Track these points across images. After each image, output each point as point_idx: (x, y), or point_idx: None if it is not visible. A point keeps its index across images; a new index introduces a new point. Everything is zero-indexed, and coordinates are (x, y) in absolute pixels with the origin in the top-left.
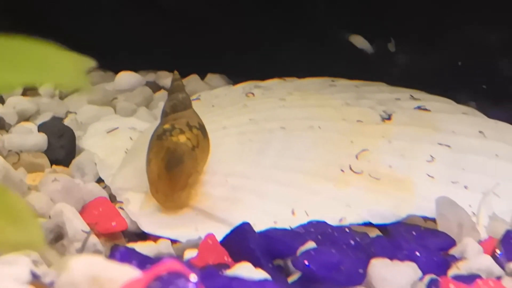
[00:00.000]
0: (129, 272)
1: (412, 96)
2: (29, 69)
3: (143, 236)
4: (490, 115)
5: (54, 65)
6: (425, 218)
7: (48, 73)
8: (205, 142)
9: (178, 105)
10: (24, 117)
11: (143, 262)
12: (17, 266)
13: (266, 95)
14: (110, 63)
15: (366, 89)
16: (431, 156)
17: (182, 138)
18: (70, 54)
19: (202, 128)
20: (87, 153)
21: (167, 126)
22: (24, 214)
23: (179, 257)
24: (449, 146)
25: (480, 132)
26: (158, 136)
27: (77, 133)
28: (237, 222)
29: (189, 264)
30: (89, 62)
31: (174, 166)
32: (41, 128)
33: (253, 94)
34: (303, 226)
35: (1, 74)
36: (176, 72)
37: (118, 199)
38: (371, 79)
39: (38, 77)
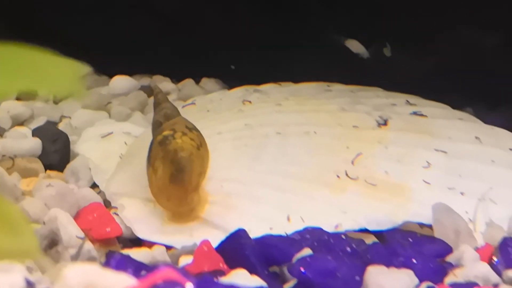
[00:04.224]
0: (125, 280)
1: (408, 101)
2: (25, 76)
3: (137, 242)
4: (486, 121)
5: (50, 71)
6: (422, 225)
7: (44, 80)
8: (205, 141)
9: (170, 114)
10: (18, 122)
11: (139, 269)
12: (12, 273)
13: (262, 100)
14: (104, 67)
15: (362, 94)
16: (427, 162)
17: (187, 139)
18: (65, 60)
19: (198, 130)
20: (82, 158)
21: (166, 132)
22: (18, 221)
23: (174, 263)
24: (445, 152)
25: (476, 138)
26: (161, 143)
27: (71, 137)
28: (232, 228)
29: (185, 272)
30: (84, 68)
31: (185, 167)
32: (35, 132)
33: (250, 102)
34: (299, 232)
35: None
36: (155, 84)
37: (112, 204)
38: (366, 84)
39: (34, 83)
